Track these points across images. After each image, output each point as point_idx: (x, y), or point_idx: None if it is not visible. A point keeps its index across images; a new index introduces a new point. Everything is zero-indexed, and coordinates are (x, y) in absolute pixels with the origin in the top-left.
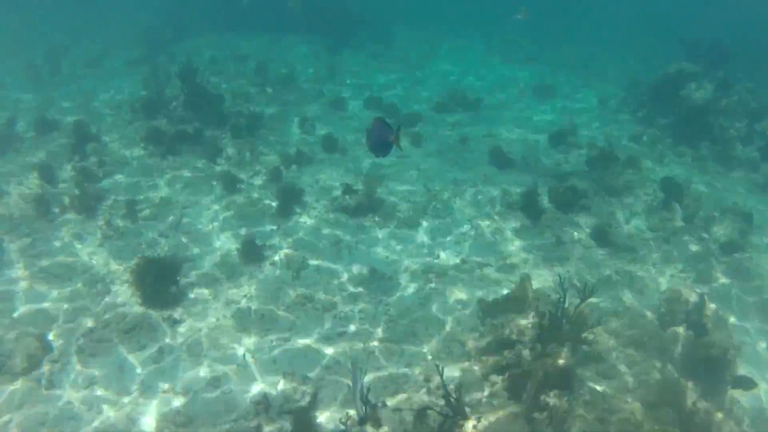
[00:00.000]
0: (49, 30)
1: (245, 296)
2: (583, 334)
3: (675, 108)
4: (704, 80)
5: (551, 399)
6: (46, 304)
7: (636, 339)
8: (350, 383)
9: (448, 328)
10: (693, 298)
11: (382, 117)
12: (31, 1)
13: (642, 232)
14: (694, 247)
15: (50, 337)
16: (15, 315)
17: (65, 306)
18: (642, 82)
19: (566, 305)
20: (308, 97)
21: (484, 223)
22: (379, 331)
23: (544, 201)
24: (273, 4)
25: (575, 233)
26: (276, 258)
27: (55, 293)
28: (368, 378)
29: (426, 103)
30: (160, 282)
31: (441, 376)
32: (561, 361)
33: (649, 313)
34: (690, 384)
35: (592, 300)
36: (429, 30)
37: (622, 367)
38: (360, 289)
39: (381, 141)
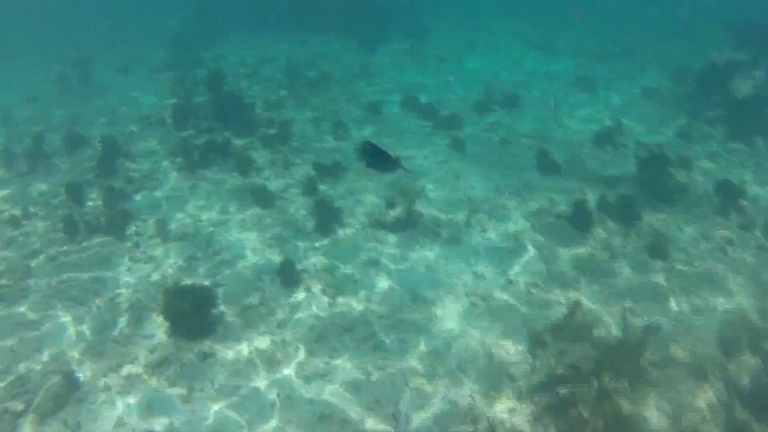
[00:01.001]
0: (81, 38)
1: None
2: (646, 375)
3: (724, 100)
4: (754, 69)
5: None
6: (73, 337)
7: (697, 368)
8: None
9: (495, 359)
10: (759, 320)
11: (369, 140)
12: (61, 11)
13: (697, 242)
14: (755, 258)
15: (78, 373)
16: (42, 348)
17: (92, 338)
18: (688, 72)
19: (625, 335)
20: (341, 100)
21: (530, 237)
22: (418, 365)
23: (593, 210)
24: (305, 2)
25: (627, 246)
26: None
27: (82, 323)
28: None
29: (464, 101)
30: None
31: None
32: (622, 408)
33: (710, 337)
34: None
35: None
36: (464, 22)
37: (685, 401)
38: (400, 315)
39: (380, 160)
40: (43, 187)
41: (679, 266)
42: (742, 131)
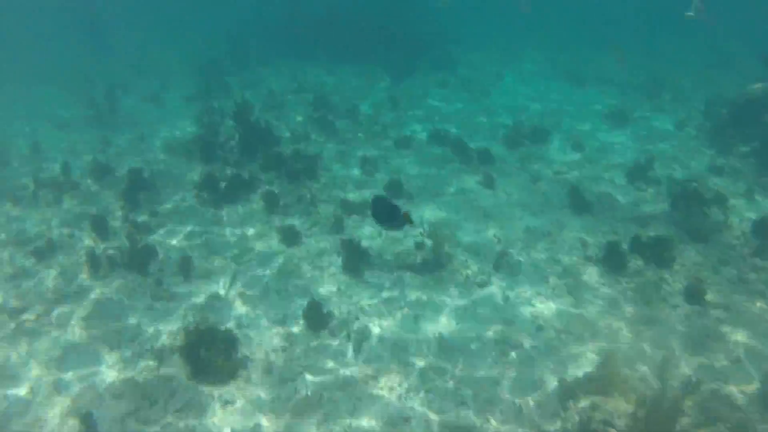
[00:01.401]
0: (112, 65)
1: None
2: None
3: (758, 133)
4: None
5: None
6: (93, 378)
7: (738, 424)
8: None
9: (524, 412)
10: None
11: (383, 195)
12: (93, 36)
13: (733, 284)
14: None
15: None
16: (60, 388)
17: (110, 379)
18: (721, 104)
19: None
20: (370, 133)
21: (561, 280)
22: (443, 413)
23: (625, 251)
24: (333, 31)
25: (662, 290)
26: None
27: (101, 363)
28: None
29: (492, 135)
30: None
31: None
32: None
33: (751, 390)
34: None
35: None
36: (493, 51)
37: None
38: (423, 363)
39: (388, 216)
40: (68, 218)
41: (715, 312)
42: None
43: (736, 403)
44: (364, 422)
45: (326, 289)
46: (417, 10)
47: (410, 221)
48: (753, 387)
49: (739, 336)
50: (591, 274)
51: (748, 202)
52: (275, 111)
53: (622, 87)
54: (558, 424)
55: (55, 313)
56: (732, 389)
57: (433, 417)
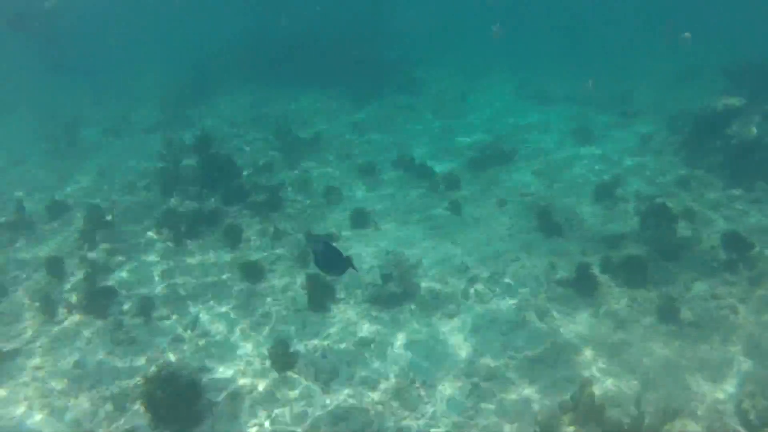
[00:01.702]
0: (73, 96)
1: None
2: None
3: (722, 146)
4: (753, 114)
5: None
6: (50, 428)
7: None
8: None
9: None
10: None
11: (325, 239)
12: (54, 66)
13: (705, 301)
14: None
15: None
16: None
17: (70, 429)
18: (685, 118)
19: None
20: (334, 161)
21: (532, 306)
22: None
23: (597, 273)
24: (298, 57)
25: (634, 312)
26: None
27: (60, 416)
28: None
29: (458, 158)
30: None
31: None
32: None
33: (727, 410)
34: None
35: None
36: (459, 74)
37: None
38: (398, 400)
39: (331, 261)
40: (23, 260)
41: (689, 330)
42: (743, 177)
43: (716, 426)
44: None
45: (292, 326)
46: (383, 34)
47: (353, 266)
48: (732, 407)
49: (715, 354)
50: (562, 298)
51: (716, 215)
52: (237, 140)
53: (588, 104)
54: None
55: (9, 360)
56: (711, 409)
57: None
